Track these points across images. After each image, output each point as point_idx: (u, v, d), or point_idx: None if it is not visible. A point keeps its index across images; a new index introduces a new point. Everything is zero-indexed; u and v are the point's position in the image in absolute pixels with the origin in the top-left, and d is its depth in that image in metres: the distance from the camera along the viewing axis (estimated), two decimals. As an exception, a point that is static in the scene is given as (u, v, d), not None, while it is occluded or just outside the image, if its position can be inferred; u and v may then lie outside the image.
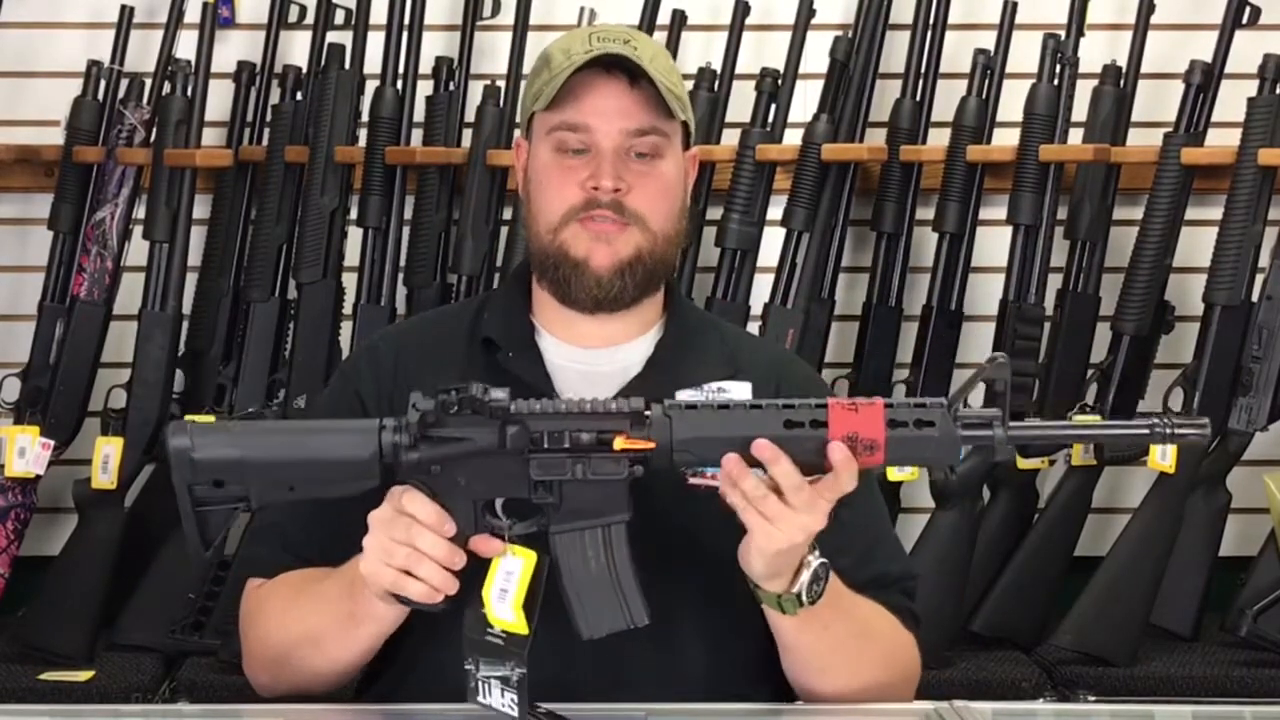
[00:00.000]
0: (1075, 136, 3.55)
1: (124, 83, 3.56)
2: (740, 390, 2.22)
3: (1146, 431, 2.06)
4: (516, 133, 2.41)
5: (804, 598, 2.11)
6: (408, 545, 2.05)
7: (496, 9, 3.60)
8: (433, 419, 2.04)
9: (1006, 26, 3.56)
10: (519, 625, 2.05)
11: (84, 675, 3.28)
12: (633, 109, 2.28)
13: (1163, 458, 3.40)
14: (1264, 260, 3.46)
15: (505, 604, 2.05)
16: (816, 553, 2.11)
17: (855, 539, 2.28)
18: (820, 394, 2.35)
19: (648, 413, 2.05)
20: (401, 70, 3.56)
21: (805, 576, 2.11)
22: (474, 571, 2.07)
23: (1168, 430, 2.04)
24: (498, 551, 2.07)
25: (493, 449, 2.04)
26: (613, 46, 2.27)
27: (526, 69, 3.30)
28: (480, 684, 2.04)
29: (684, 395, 2.17)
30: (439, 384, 2.19)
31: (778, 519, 2.04)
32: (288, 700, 2.28)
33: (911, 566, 2.39)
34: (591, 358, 2.32)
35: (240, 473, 2.05)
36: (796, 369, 2.47)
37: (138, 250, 3.54)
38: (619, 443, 2.04)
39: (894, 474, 3.43)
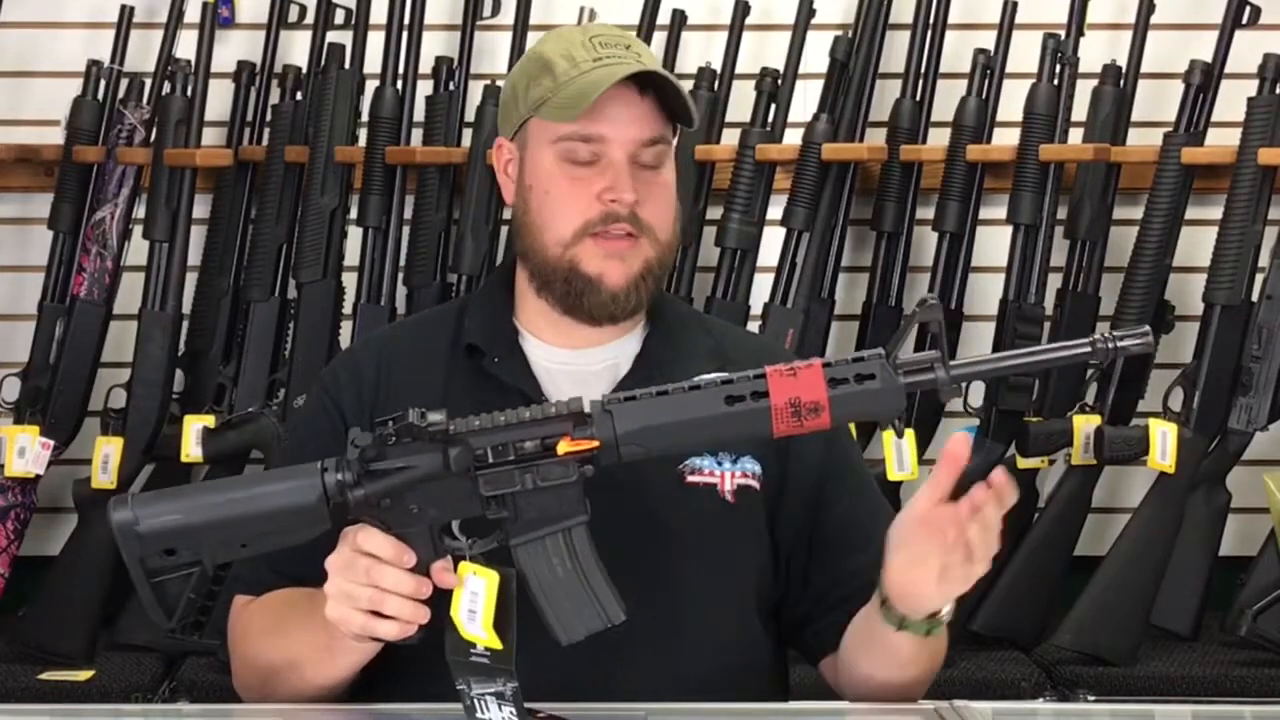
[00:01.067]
0: (1075, 136, 3.55)
1: (124, 83, 3.57)
2: None
3: (1089, 349, 2.01)
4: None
5: (944, 615, 2.13)
6: (371, 586, 2.03)
7: (496, 9, 3.60)
8: (373, 453, 2.01)
9: (1006, 26, 3.56)
10: (494, 642, 2.03)
11: (84, 675, 3.28)
12: (645, 118, 2.25)
13: (1163, 456, 3.40)
14: (1264, 260, 3.46)
15: (476, 624, 2.03)
16: None
17: (873, 535, 2.26)
18: None
19: (587, 410, 2.03)
20: (401, 70, 3.56)
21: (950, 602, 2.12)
22: (446, 594, 2.05)
23: (1109, 345, 2.00)
24: (454, 583, 2.03)
25: (438, 472, 2.02)
26: (620, 55, 2.24)
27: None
28: (476, 702, 2.03)
29: None
30: (425, 392, 2.18)
31: (979, 551, 2.05)
32: (285, 700, 2.28)
33: None
34: (578, 358, 2.31)
35: (189, 539, 2.02)
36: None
37: (138, 250, 3.54)
38: (563, 446, 2.01)
39: (894, 474, 3.43)
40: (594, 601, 2.06)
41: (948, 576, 2.06)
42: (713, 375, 2.03)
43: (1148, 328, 2.04)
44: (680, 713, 2.21)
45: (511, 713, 2.02)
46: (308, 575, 2.18)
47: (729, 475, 2.27)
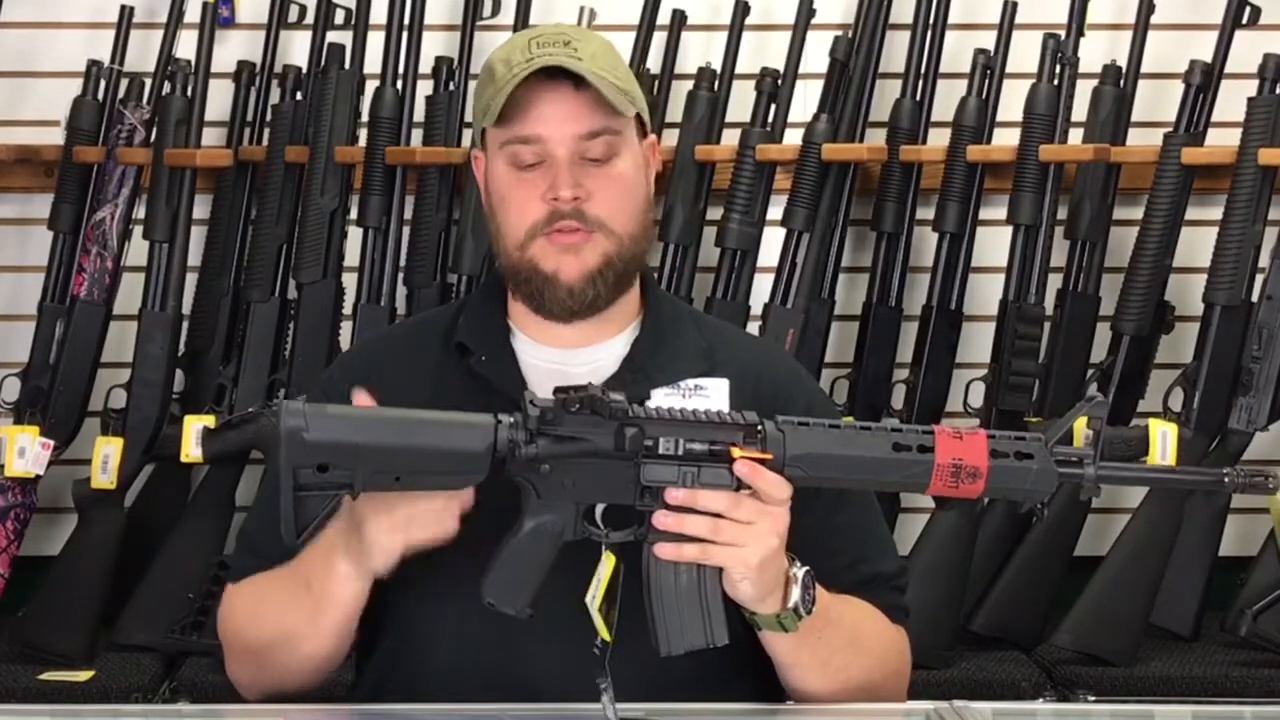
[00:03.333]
0: (1075, 136, 3.55)
1: (124, 83, 3.56)
2: (717, 387, 2.25)
3: (1222, 480, 2.11)
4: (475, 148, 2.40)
5: (800, 610, 2.11)
6: (405, 506, 2.06)
7: (496, 9, 3.61)
8: (550, 416, 2.04)
9: (1006, 26, 3.56)
10: (602, 630, 2.05)
11: (84, 675, 3.28)
12: (580, 112, 2.26)
13: (1163, 456, 3.40)
14: (1264, 260, 3.46)
15: (592, 606, 2.05)
16: (797, 563, 2.11)
17: (847, 540, 2.28)
18: (806, 390, 2.38)
19: (760, 427, 2.06)
20: (401, 70, 3.56)
21: (795, 590, 2.11)
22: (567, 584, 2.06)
23: (1240, 480, 2.09)
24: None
25: (608, 451, 2.04)
26: (552, 52, 2.25)
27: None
28: (603, 696, 2.04)
29: (659, 394, 2.20)
30: (411, 390, 2.18)
31: (739, 538, 2.04)
32: (286, 700, 2.28)
33: (902, 562, 2.38)
34: (565, 358, 2.31)
35: (350, 458, 2.02)
36: (776, 361, 2.46)
37: (138, 250, 3.54)
38: (736, 452, 2.04)
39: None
40: (705, 617, 2.07)
41: (733, 572, 2.07)
42: (881, 425, 2.09)
43: (1276, 474, 2.13)
44: (680, 713, 2.21)
45: (614, 710, 2.04)
46: (289, 556, 2.19)
47: None
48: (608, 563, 2.06)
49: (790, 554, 2.10)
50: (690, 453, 2.05)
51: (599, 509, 2.08)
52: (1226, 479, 2.10)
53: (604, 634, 2.05)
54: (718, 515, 2.04)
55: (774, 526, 2.06)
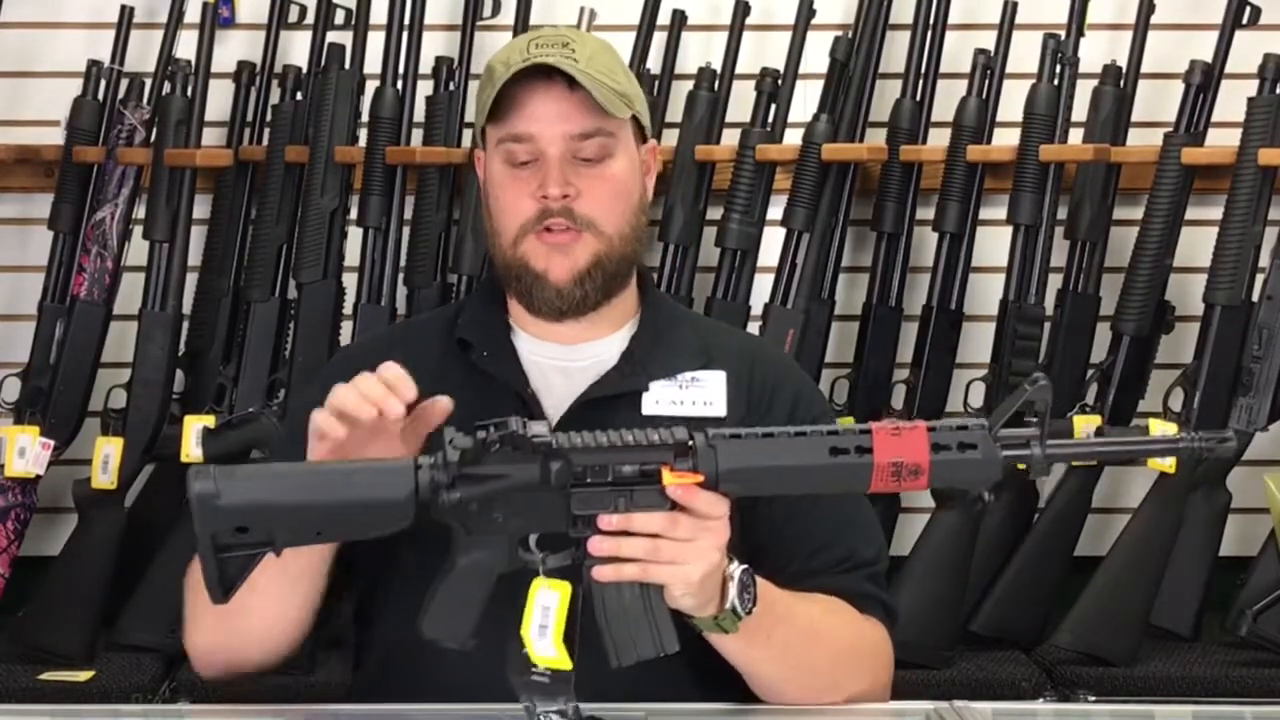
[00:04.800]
0: (1075, 136, 3.55)
1: (124, 83, 3.56)
2: (714, 380, 2.26)
3: (1175, 445, 2.10)
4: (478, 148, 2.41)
5: (739, 609, 2.09)
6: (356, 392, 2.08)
7: (496, 9, 3.60)
8: (472, 456, 2.01)
9: (1006, 26, 3.56)
10: (561, 661, 2.02)
11: (84, 675, 3.28)
12: (573, 112, 2.28)
13: (1162, 457, 3.40)
14: (1264, 260, 3.45)
15: (546, 640, 2.02)
16: (735, 563, 2.09)
17: (820, 524, 2.28)
18: (795, 377, 2.40)
19: (691, 443, 2.03)
20: (401, 70, 3.56)
21: (732, 590, 2.09)
22: (504, 611, 2.04)
23: (1195, 444, 2.06)
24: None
25: (534, 484, 2.01)
26: (549, 52, 2.27)
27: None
28: (541, 718, 2.03)
29: (658, 385, 2.21)
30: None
31: (680, 556, 2.02)
32: (285, 700, 2.28)
33: (883, 552, 2.36)
34: (566, 353, 2.33)
35: (266, 518, 1.99)
36: (769, 354, 2.48)
37: (138, 250, 3.54)
38: (668, 477, 2.01)
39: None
40: (653, 628, 2.05)
41: (674, 589, 2.05)
42: (817, 428, 2.05)
43: (1231, 433, 2.11)
44: (680, 713, 2.21)
45: None
46: None
47: None
48: (554, 589, 2.03)
49: (729, 554, 2.08)
50: (620, 477, 2.02)
51: (533, 538, 2.05)
52: (1181, 444, 2.07)
53: (565, 665, 2.02)
54: (656, 536, 2.02)
55: (714, 541, 2.04)
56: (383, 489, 2.01)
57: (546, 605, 2.03)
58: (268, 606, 2.20)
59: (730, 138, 3.57)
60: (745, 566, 2.10)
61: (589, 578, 2.04)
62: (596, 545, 2.02)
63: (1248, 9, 3.50)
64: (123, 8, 3.57)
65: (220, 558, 2.00)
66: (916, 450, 2.03)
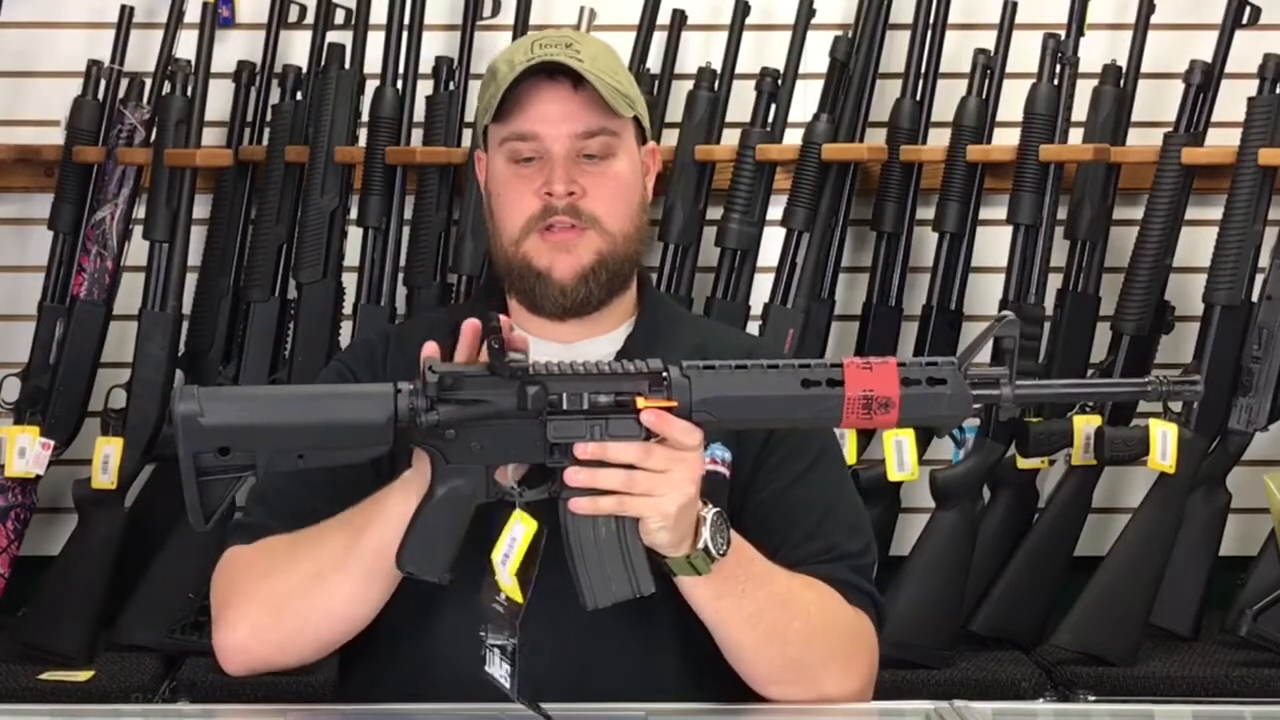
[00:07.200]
0: (1075, 136, 3.55)
1: (124, 83, 3.56)
2: None
3: (1146, 388, 2.10)
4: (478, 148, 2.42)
5: (712, 549, 2.10)
6: None
7: (496, 9, 3.60)
8: (450, 381, 2.03)
9: (1006, 26, 3.56)
10: (514, 591, 2.04)
11: (84, 675, 3.28)
12: (578, 111, 2.30)
13: (1163, 456, 3.40)
14: (1264, 260, 3.46)
15: (505, 569, 2.05)
16: (708, 505, 2.10)
17: (806, 512, 2.28)
18: None
19: (665, 374, 2.06)
20: (401, 70, 3.56)
21: (705, 531, 2.09)
22: (485, 538, 2.06)
23: (1164, 388, 2.08)
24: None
25: (511, 411, 2.03)
26: (553, 52, 2.29)
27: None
28: (488, 652, 2.05)
29: None
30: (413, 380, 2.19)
31: (655, 488, 2.04)
32: (285, 700, 2.28)
33: (871, 551, 2.34)
34: (564, 352, 2.31)
35: (249, 439, 2.01)
36: (767, 354, 2.46)
37: (138, 250, 3.54)
38: (641, 402, 2.04)
39: (894, 474, 3.43)
40: (629, 569, 2.06)
41: (650, 522, 2.05)
42: (789, 360, 2.08)
43: (1199, 378, 2.13)
44: (680, 712, 2.21)
45: (508, 670, 2.03)
46: (307, 516, 2.19)
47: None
48: (525, 524, 2.05)
49: (703, 499, 2.09)
50: (596, 405, 2.04)
51: (511, 469, 2.07)
52: (1150, 387, 2.09)
53: (516, 596, 2.04)
54: (630, 467, 2.04)
55: (689, 473, 2.06)
56: (363, 411, 2.03)
57: (514, 537, 2.05)
58: (329, 584, 2.17)
59: (730, 138, 3.57)
60: (718, 509, 2.11)
61: (565, 511, 2.05)
62: (572, 476, 2.03)
63: (1248, 9, 3.50)
64: (123, 8, 3.57)
65: (201, 480, 2.02)
66: (887, 384, 2.05)
